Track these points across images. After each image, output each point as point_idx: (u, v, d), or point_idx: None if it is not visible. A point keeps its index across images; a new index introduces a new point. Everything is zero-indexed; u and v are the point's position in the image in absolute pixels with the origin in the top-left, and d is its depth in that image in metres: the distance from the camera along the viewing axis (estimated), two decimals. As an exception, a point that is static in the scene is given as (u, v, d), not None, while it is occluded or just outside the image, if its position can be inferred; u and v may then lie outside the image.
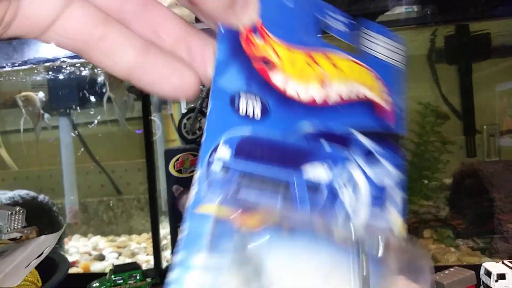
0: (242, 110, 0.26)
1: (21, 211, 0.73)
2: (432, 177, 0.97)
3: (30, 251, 0.66)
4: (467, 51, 0.96)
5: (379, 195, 0.28)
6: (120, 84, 1.02)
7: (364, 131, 0.27)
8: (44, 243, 0.66)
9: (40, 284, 0.70)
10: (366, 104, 0.28)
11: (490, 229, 0.80)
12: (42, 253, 0.64)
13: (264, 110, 0.28)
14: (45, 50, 0.96)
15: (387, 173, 0.28)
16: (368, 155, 0.28)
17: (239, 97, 0.25)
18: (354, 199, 0.28)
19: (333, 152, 0.29)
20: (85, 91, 1.16)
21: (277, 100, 0.27)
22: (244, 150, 0.27)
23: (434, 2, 0.87)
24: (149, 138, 0.91)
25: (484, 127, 1.02)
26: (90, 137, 1.30)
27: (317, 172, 0.32)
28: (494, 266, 0.67)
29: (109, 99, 1.07)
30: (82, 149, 1.27)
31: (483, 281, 0.68)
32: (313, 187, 0.31)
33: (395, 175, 0.28)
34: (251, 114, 0.27)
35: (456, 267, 0.73)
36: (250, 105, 0.27)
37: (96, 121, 1.26)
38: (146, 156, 0.90)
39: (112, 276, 0.80)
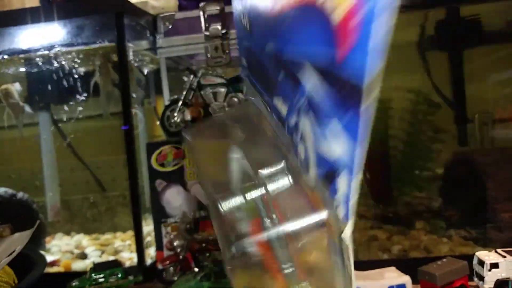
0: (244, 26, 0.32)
1: (-7, 207, 0.69)
2: (424, 166, 0.94)
3: (1, 249, 0.62)
4: (458, 37, 0.93)
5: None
6: (107, 73, 0.98)
7: (316, 67, 0.23)
8: (16, 242, 0.62)
9: (15, 283, 0.67)
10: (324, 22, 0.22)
11: (483, 219, 0.78)
12: (14, 251, 0.61)
13: (250, 25, 0.33)
14: (20, 41, 0.93)
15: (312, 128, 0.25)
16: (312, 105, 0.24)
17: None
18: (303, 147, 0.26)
19: (289, 93, 0.29)
20: (66, 84, 1.12)
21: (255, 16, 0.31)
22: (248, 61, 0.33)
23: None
24: (129, 131, 0.88)
25: (476, 115, 1.00)
26: (74, 133, 1.26)
27: (279, 105, 0.32)
28: (487, 255, 0.65)
29: (95, 87, 1.03)
30: (67, 142, 1.23)
31: (476, 271, 0.66)
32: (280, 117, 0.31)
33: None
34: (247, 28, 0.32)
35: (449, 257, 0.70)
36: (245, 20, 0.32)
37: (80, 116, 1.22)
38: (126, 150, 0.87)
39: (93, 275, 0.77)
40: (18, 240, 0.62)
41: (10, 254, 0.60)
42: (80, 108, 1.16)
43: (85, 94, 1.08)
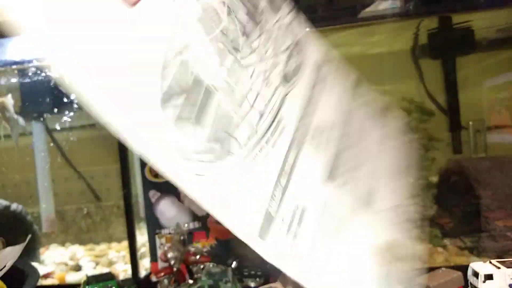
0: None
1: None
2: (418, 175, 0.94)
3: (-8, 264, 0.62)
4: (451, 45, 0.94)
5: None
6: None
7: None
8: (8, 256, 0.62)
9: (6, 298, 0.66)
10: None
11: (477, 228, 0.78)
12: (4, 266, 0.60)
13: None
14: (13, 53, 0.92)
15: None
16: None
17: None
18: None
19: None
20: (60, 94, 1.12)
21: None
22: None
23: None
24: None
25: (470, 123, 1.00)
26: (67, 142, 1.26)
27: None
28: (481, 267, 0.65)
29: None
30: (60, 154, 1.22)
31: (470, 282, 0.66)
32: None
33: None
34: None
35: (443, 268, 0.70)
36: None
37: (73, 125, 1.22)
38: (120, 159, 0.86)
39: (86, 287, 0.76)
40: (10, 255, 0.62)
41: (1, 269, 0.60)
42: (74, 118, 1.16)
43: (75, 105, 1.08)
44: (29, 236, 0.66)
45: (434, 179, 0.97)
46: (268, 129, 0.26)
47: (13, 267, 0.66)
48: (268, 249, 0.26)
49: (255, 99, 0.24)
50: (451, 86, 1.00)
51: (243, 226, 0.27)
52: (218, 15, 0.24)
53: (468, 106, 1.02)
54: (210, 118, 0.24)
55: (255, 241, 0.26)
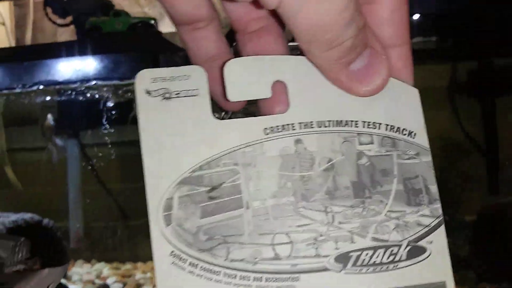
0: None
1: (25, 242, 0.70)
2: (453, 215, 0.93)
3: (34, 284, 0.62)
4: (491, 85, 0.93)
5: None
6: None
7: None
8: (48, 278, 0.62)
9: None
10: None
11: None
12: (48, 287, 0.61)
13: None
14: (56, 73, 0.95)
15: None
16: None
17: None
18: None
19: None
20: (94, 113, 1.14)
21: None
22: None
23: (455, 35, 0.85)
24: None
25: (507, 163, 0.99)
26: (98, 159, 1.28)
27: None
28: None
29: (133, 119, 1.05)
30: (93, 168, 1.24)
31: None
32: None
33: None
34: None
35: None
36: None
37: (105, 143, 1.24)
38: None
39: (116, 311, 0.76)
40: (50, 277, 0.62)
41: (42, 291, 0.60)
42: (107, 135, 1.18)
43: (117, 122, 1.10)
44: (69, 262, 0.67)
45: (469, 218, 0.96)
46: None
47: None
48: None
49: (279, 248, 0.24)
50: (489, 126, 0.99)
51: None
52: (312, 163, 0.24)
53: (507, 146, 1.00)
54: (216, 219, 0.24)
55: None
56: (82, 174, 1.23)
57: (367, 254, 0.23)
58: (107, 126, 1.14)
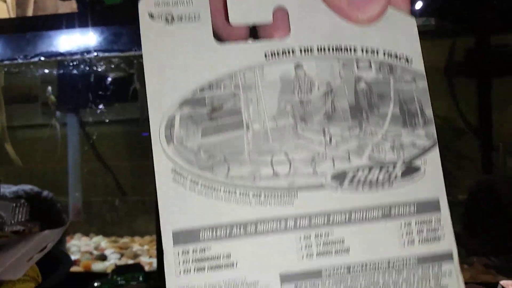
0: None
1: (25, 204, 0.71)
2: (446, 192, 0.94)
3: (33, 245, 0.64)
4: (488, 65, 0.94)
5: None
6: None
7: None
8: (47, 238, 0.64)
9: (40, 279, 0.68)
10: None
11: (507, 248, 0.78)
12: (45, 247, 0.62)
13: None
14: (58, 44, 0.95)
15: None
16: None
17: None
18: None
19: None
20: (98, 88, 1.15)
21: None
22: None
23: (453, 13, 0.86)
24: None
25: (501, 144, 1.00)
26: (98, 136, 1.29)
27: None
28: (510, 285, 0.65)
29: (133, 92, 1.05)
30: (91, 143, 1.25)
31: (499, 301, 0.66)
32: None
33: None
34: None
35: (471, 283, 0.70)
36: None
37: (105, 120, 1.25)
38: (152, 155, 0.88)
39: (115, 277, 0.78)
40: (50, 237, 0.64)
41: (42, 250, 0.62)
42: (108, 113, 1.19)
43: (117, 98, 1.11)
44: (69, 222, 0.68)
45: (462, 197, 0.97)
46: None
47: (47, 253, 0.68)
48: None
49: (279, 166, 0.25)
50: (485, 106, 1.00)
51: None
52: (311, 87, 0.24)
53: (501, 128, 1.02)
54: (217, 139, 0.25)
55: None
56: (82, 150, 1.24)
57: (363, 172, 0.24)
58: (108, 101, 1.15)
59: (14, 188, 1.01)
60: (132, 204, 1.26)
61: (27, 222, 0.71)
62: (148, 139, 0.24)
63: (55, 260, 0.75)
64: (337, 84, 0.24)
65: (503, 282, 0.67)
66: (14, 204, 0.70)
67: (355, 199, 0.23)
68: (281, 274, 0.22)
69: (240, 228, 0.23)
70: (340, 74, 0.24)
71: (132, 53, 0.94)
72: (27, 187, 1.04)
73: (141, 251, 1.01)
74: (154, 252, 0.93)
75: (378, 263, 0.24)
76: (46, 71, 1.11)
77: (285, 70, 0.25)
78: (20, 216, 0.71)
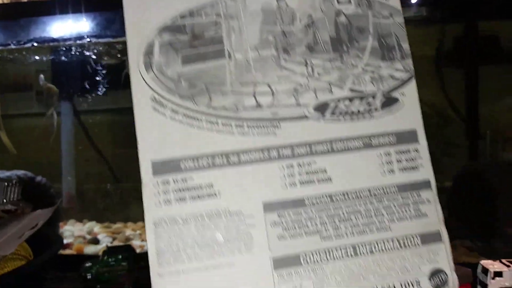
0: None
1: (17, 184, 0.72)
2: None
3: (25, 223, 0.65)
4: (475, 53, 0.95)
5: None
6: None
7: None
8: (38, 216, 0.65)
9: (32, 258, 0.69)
10: None
11: (489, 232, 0.79)
12: (36, 225, 0.64)
13: None
14: (51, 30, 0.96)
15: None
16: None
17: None
18: None
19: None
20: (90, 76, 1.16)
21: None
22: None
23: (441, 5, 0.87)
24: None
25: (488, 132, 1.02)
26: (92, 124, 1.29)
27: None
28: (491, 264, 0.67)
29: (125, 78, 1.06)
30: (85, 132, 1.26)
31: (479, 279, 0.67)
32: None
33: None
34: None
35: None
36: None
37: (99, 109, 1.26)
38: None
39: (105, 257, 0.79)
40: (41, 215, 0.65)
41: (33, 227, 0.63)
42: (103, 100, 1.19)
43: (110, 85, 1.11)
44: (60, 199, 0.69)
45: (448, 184, 0.99)
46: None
47: (39, 233, 0.70)
48: None
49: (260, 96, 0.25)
50: (472, 95, 1.01)
51: None
52: (293, 19, 0.25)
53: (488, 116, 1.03)
54: (198, 68, 0.25)
55: None
56: (76, 138, 1.24)
57: (344, 103, 0.25)
58: (101, 88, 1.16)
59: (7, 173, 1.02)
60: (126, 191, 1.27)
61: (19, 202, 0.73)
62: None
63: (47, 241, 0.77)
64: (318, 17, 0.25)
65: (483, 262, 0.68)
66: (6, 184, 0.71)
67: (337, 130, 0.24)
68: (264, 203, 0.22)
69: (222, 158, 0.24)
70: (321, 7, 0.25)
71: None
72: (20, 172, 1.05)
73: (134, 235, 1.03)
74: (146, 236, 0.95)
75: (360, 192, 0.25)
76: (37, 57, 1.11)
77: (267, 0, 0.25)
78: (12, 196, 0.72)
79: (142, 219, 1.11)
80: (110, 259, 0.79)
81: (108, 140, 1.32)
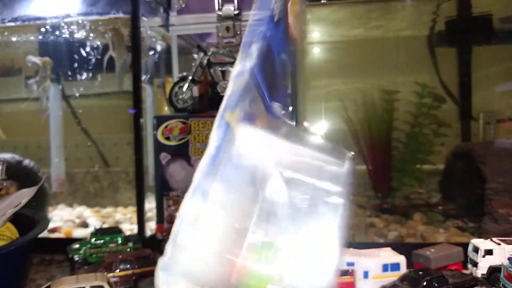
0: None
1: (2, 163, 0.71)
2: (425, 159, 0.95)
3: (8, 202, 0.64)
4: (468, 32, 0.94)
5: None
6: (121, 43, 1.00)
7: None
8: (21, 195, 0.64)
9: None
10: None
11: (480, 211, 0.79)
12: (19, 203, 0.62)
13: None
14: (36, 8, 0.94)
15: None
16: None
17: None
18: None
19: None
20: (79, 57, 1.13)
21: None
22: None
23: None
24: (138, 104, 0.90)
25: (481, 114, 1.01)
26: (82, 109, 1.28)
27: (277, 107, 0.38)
28: (482, 243, 0.66)
29: (109, 61, 1.04)
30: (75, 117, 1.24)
31: (470, 258, 0.67)
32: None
33: None
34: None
35: (444, 243, 0.72)
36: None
37: (87, 93, 1.24)
38: (134, 125, 0.88)
39: (93, 239, 0.78)
40: (24, 194, 0.64)
41: (16, 206, 0.62)
42: (91, 84, 1.18)
43: (98, 68, 1.09)
44: (44, 178, 0.68)
45: (441, 166, 0.98)
46: None
47: (25, 216, 0.69)
48: None
49: None
50: (465, 76, 1.00)
51: None
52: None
53: (480, 97, 1.02)
54: None
55: None
56: (65, 122, 1.23)
57: None
58: (89, 70, 1.14)
59: (-6, 156, 1.00)
60: (115, 175, 1.25)
61: (3, 181, 0.71)
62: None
63: (33, 223, 0.75)
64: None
65: (474, 240, 0.68)
66: (-10, 163, 0.69)
67: None
68: None
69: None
70: None
71: (110, 16, 0.92)
72: (8, 155, 1.03)
73: (123, 219, 1.02)
74: (135, 220, 0.93)
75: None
76: (25, 38, 1.09)
77: None
78: (-4, 175, 0.70)
79: (133, 204, 1.09)
80: (98, 241, 0.78)
81: (97, 125, 1.31)
